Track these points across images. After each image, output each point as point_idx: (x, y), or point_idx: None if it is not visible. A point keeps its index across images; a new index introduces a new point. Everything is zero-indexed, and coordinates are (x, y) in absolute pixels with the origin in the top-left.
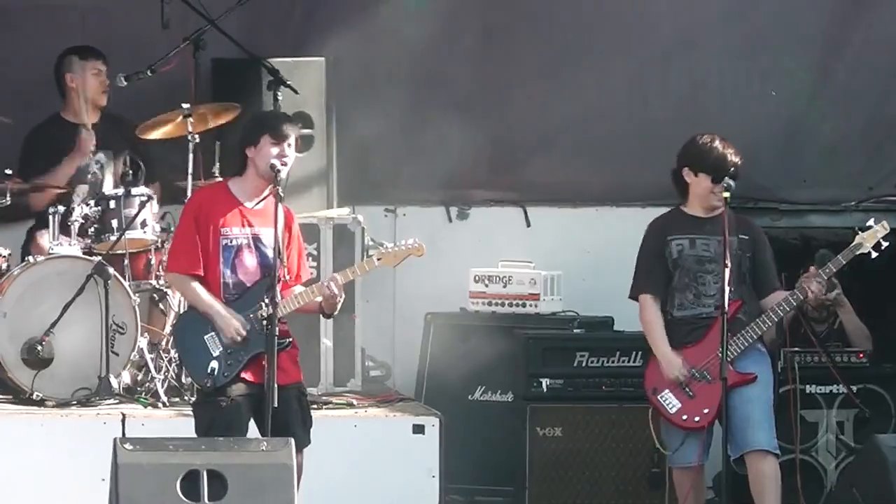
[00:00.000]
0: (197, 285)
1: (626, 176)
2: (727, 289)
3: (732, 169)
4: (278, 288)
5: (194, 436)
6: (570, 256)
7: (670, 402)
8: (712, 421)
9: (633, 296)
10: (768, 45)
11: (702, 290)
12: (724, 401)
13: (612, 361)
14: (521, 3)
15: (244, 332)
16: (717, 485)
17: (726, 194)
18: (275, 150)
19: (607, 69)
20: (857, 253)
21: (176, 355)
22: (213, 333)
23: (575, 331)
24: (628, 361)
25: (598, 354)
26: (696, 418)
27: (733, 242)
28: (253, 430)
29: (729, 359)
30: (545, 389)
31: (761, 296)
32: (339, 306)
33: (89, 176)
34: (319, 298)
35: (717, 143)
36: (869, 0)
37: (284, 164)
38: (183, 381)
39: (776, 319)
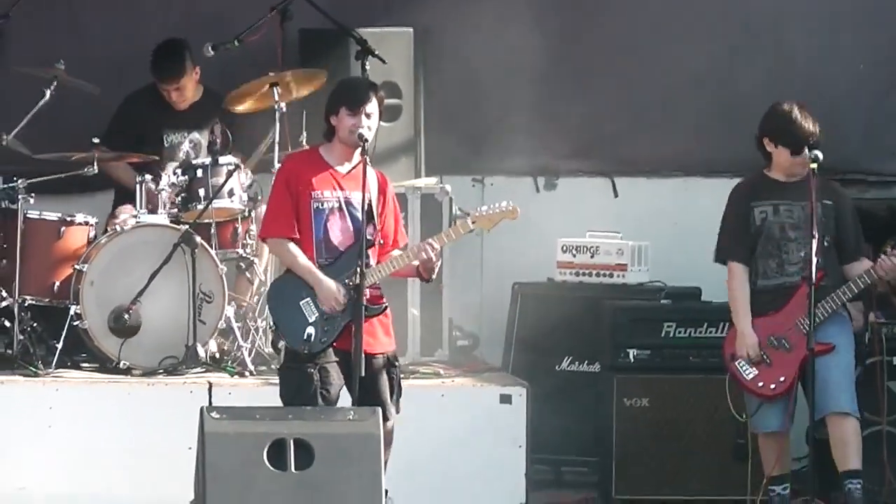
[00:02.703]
0: (294, 248)
1: (713, 147)
2: (814, 259)
3: (811, 141)
4: (372, 253)
5: (281, 404)
6: (657, 227)
7: (747, 368)
8: (788, 389)
9: (721, 259)
10: (854, 17)
11: (785, 258)
12: (812, 368)
13: (700, 332)
14: None
15: (343, 301)
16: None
17: (814, 165)
18: (351, 121)
19: (695, 42)
20: None
21: (270, 321)
22: (308, 299)
23: (662, 301)
24: (716, 332)
25: (686, 325)
26: (772, 386)
27: (817, 209)
28: (345, 398)
29: (807, 329)
30: (632, 360)
31: (843, 262)
32: (436, 270)
33: (181, 154)
34: (416, 262)
35: (795, 114)
36: None
37: (359, 135)
38: (275, 347)
39: (857, 291)
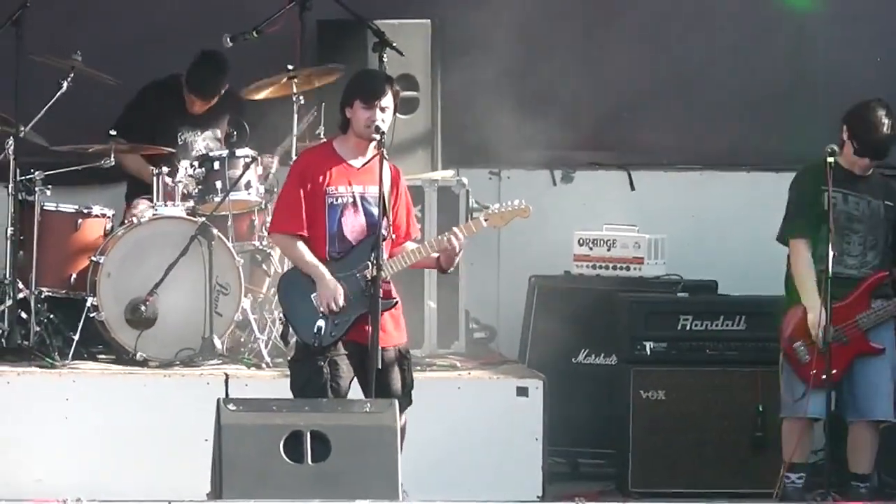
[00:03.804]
0: (301, 246)
1: (731, 141)
2: (831, 253)
3: (882, 151)
4: (384, 247)
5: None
6: (674, 220)
7: (805, 352)
8: (836, 380)
9: (784, 238)
10: (873, 10)
11: (846, 248)
12: (828, 364)
13: (716, 325)
14: None
15: (341, 303)
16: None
17: (830, 159)
18: (366, 114)
19: (712, 33)
20: None
21: (281, 313)
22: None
23: (679, 294)
24: (732, 325)
25: (702, 318)
26: (824, 375)
27: (880, 208)
28: (355, 391)
29: (867, 326)
30: (649, 353)
31: None
32: (457, 261)
33: (193, 152)
34: (436, 254)
35: (879, 122)
36: None
37: (374, 129)
38: (284, 339)
39: None
